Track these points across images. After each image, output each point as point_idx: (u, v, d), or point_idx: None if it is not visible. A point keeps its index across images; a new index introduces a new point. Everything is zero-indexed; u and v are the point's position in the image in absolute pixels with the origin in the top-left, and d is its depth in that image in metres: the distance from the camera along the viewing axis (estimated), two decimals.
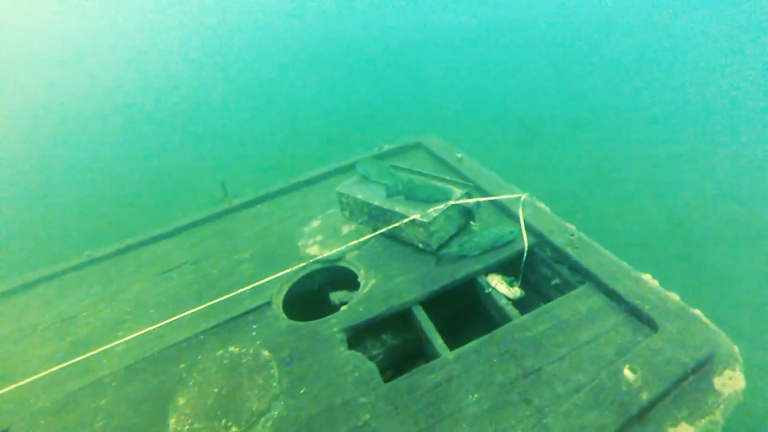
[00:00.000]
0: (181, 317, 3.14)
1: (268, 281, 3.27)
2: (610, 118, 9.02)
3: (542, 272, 3.31)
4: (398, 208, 3.34)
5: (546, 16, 15.12)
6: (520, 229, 3.31)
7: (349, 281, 3.44)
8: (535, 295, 3.48)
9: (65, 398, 2.89)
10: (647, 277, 2.79)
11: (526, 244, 3.21)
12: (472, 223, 3.56)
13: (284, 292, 3.43)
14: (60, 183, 9.10)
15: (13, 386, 2.77)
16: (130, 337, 2.99)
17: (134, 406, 2.72)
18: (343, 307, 3.13)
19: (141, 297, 3.74)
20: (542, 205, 3.60)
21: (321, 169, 4.89)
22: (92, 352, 2.93)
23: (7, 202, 8.61)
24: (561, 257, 3.08)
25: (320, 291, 3.60)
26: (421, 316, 2.96)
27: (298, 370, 2.72)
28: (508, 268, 3.26)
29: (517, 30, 14.43)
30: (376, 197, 3.54)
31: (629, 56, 11.43)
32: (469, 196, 3.43)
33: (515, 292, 3.04)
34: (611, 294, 2.70)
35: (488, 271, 3.19)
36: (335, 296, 3.49)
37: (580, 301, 2.75)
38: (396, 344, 3.24)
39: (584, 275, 2.90)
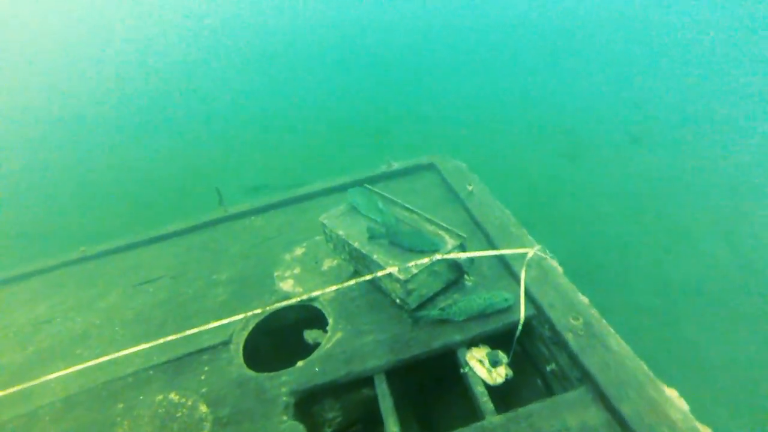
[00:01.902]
0: (133, 351, 2.91)
1: (229, 322, 2.97)
2: (679, 134, 7.93)
3: (539, 350, 2.78)
4: (376, 256, 2.90)
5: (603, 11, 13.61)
6: (518, 296, 2.77)
7: (326, 320, 3.09)
8: (531, 368, 2.96)
9: None
10: (672, 393, 2.19)
11: (522, 317, 2.68)
12: (466, 276, 3.05)
13: (249, 329, 3.13)
14: (62, 177, 9.30)
15: None
16: (74, 369, 2.79)
17: None
18: (299, 363, 2.77)
19: (114, 309, 3.60)
20: (554, 264, 3.02)
21: (323, 184, 4.50)
22: (33, 382, 2.76)
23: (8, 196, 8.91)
24: (560, 342, 2.53)
25: (295, 326, 3.27)
26: (381, 390, 2.55)
27: None
28: (499, 341, 2.75)
29: (569, 26, 13.10)
30: (357, 236, 3.10)
31: (711, 62, 10.01)
32: (462, 248, 2.92)
33: (497, 376, 2.54)
34: (614, 412, 2.14)
35: (472, 342, 2.71)
36: (309, 335, 3.15)
37: (572, 412, 2.22)
38: (358, 405, 2.86)
39: (583, 375, 2.35)
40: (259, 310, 3.05)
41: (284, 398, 2.56)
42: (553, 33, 12.87)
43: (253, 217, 4.35)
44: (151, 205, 7.74)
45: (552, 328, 2.56)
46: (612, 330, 2.51)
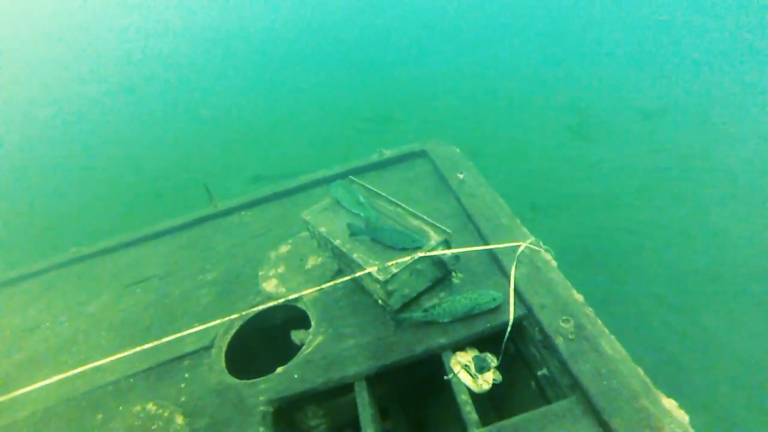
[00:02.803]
0: (114, 359, 2.84)
1: (210, 326, 2.88)
2: (696, 107, 7.43)
3: (531, 353, 2.59)
4: (356, 255, 2.73)
5: None
6: (508, 294, 2.58)
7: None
8: (525, 370, 2.78)
9: None
10: (671, 404, 1.98)
11: (510, 318, 2.49)
12: (453, 274, 2.86)
13: (232, 333, 3.02)
14: (60, 174, 9.29)
15: None
16: (55, 379, 2.74)
17: None
18: (279, 369, 2.66)
19: (102, 313, 3.55)
20: (549, 258, 2.80)
21: (314, 175, 4.34)
22: (13, 394, 2.72)
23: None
24: (549, 346, 2.34)
25: (283, 326, 3.16)
26: (361, 398, 2.42)
27: None
28: (489, 343, 2.57)
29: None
30: (339, 233, 2.94)
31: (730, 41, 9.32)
32: (446, 245, 2.72)
33: (483, 383, 2.37)
34: (605, 426, 1.95)
35: (458, 346, 2.53)
36: (296, 336, 3.03)
37: (560, 425, 2.04)
38: (344, 410, 2.75)
39: (573, 383, 2.16)
40: (236, 315, 2.93)
41: (262, 407, 2.46)
42: (564, 4, 12.22)
43: (243, 212, 4.23)
44: (151, 201, 7.72)
45: (542, 330, 2.37)
46: (606, 331, 2.30)
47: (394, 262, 2.58)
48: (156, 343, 2.81)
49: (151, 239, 4.23)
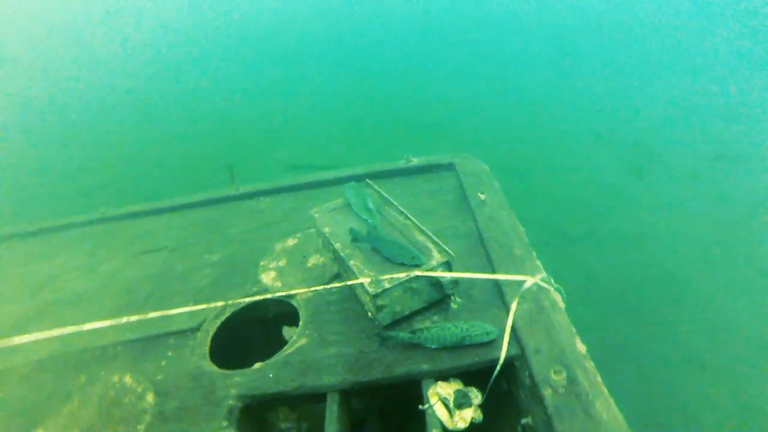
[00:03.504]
0: (108, 324, 2.89)
1: (199, 309, 2.87)
2: None
3: (519, 396, 2.39)
4: (353, 262, 2.62)
5: None
6: (504, 330, 2.39)
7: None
8: (513, 413, 2.57)
9: None
10: None
11: (501, 356, 2.30)
12: (452, 297, 2.70)
13: (223, 318, 3.00)
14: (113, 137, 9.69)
15: None
16: (54, 333, 2.82)
17: (8, 416, 2.57)
18: (257, 365, 2.60)
19: (111, 275, 3.65)
20: (557, 299, 2.59)
21: (339, 172, 4.27)
22: (14, 340, 2.82)
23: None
24: (537, 395, 2.13)
25: (276, 320, 3.11)
26: (330, 411, 2.31)
27: None
28: (476, 377, 2.39)
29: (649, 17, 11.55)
30: (341, 236, 2.84)
31: None
32: (447, 267, 2.56)
33: (459, 420, 2.20)
34: None
35: (441, 375, 2.38)
36: (288, 332, 2.98)
37: None
38: (316, 420, 2.65)
39: None
40: (229, 302, 2.90)
41: (231, 401, 2.40)
42: (629, 26, 11.51)
43: (262, 198, 4.23)
44: (186, 175, 7.95)
45: (531, 376, 2.17)
46: (605, 391, 2.07)
47: (388, 276, 2.46)
48: (146, 316, 2.84)
49: (170, 211, 4.32)
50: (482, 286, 2.73)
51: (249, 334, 3.18)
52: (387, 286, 2.42)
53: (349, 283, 2.58)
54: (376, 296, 2.41)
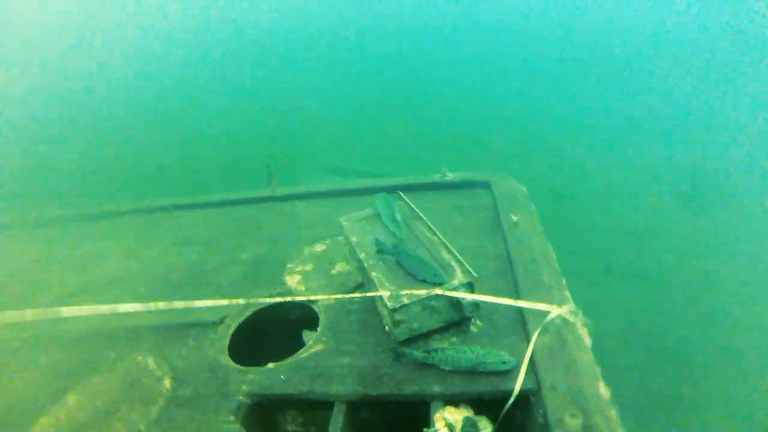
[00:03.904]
0: (141, 308, 3.03)
1: (222, 304, 2.95)
2: None
3: (531, 431, 2.28)
4: (375, 273, 2.62)
5: None
6: (522, 361, 2.30)
7: None
8: None
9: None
10: None
11: (516, 389, 2.21)
12: (472, 320, 2.63)
13: (246, 315, 3.08)
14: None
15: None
16: (93, 310, 2.99)
17: (42, 378, 2.75)
18: (270, 365, 2.64)
19: (151, 261, 3.83)
20: (583, 333, 2.46)
21: (375, 181, 4.31)
22: (63, 310, 3.00)
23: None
24: None
25: (298, 323, 3.16)
26: (335, 421, 2.30)
27: (173, 422, 2.37)
28: (488, 407, 2.31)
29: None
30: (367, 247, 2.85)
31: None
32: (470, 288, 2.50)
33: None
34: None
35: (450, 399, 2.31)
36: (308, 337, 3.01)
37: None
38: (323, 427, 2.65)
39: None
40: (250, 300, 2.97)
41: (240, 397, 2.45)
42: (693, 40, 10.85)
43: (297, 202, 4.32)
44: (229, 173, 8.24)
45: (544, 416, 2.07)
46: None
47: (408, 292, 2.43)
48: (173, 305, 2.95)
49: (210, 206, 4.50)
50: (505, 312, 2.64)
51: (270, 333, 3.23)
52: (406, 301, 2.39)
53: (369, 294, 2.58)
54: (394, 311, 2.39)
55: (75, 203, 5.07)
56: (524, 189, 3.76)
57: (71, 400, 2.57)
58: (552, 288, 2.70)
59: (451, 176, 4.05)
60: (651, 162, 7.41)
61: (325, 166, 8.80)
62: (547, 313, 2.46)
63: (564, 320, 2.46)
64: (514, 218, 3.25)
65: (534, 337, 2.35)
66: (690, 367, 4.59)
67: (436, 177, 4.08)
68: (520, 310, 2.60)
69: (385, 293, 2.45)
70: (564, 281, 2.80)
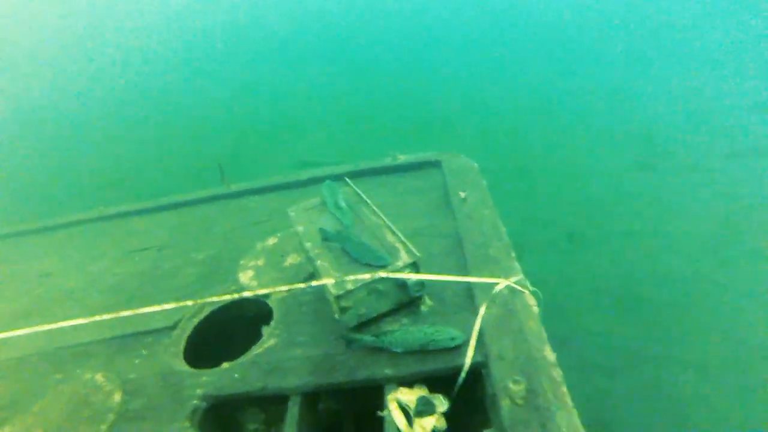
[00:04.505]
0: (86, 321, 2.91)
1: (174, 307, 2.86)
2: None
3: (485, 407, 2.29)
4: (320, 262, 2.57)
5: None
6: (470, 336, 2.29)
7: None
8: (479, 423, 2.47)
9: None
10: None
11: (466, 363, 2.21)
12: (422, 299, 2.61)
13: (201, 317, 3.00)
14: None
15: None
16: (36, 329, 2.85)
17: None
18: (224, 365, 2.58)
19: (101, 273, 3.71)
20: (531, 303, 2.47)
21: (328, 170, 4.23)
22: (4, 334, 2.87)
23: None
24: (495, 406, 2.03)
25: (255, 320, 3.09)
26: (290, 414, 2.27)
27: None
28: (445, 384, 2.30)
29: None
30: (313, 236, 2.79)
31: None
32: (415, 268, 2.48)
33: (419, 429, 2.12)
34: None
35: (404, 381, 2.30)
36: (266, 332, 2.95)
37: None
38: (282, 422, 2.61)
39: None
40: (203, 300, 2.90)
41: (195, 401, 2.39)
42: (639, 16, 10.99)
43: (251, 197, 4.23)
44: (191, 174, 8.04)
45: (492, 385, 2.07)
46: (569, 403, 1.95)
47: (352, 277, 2.39)
48: (121, 314, 2.85)
49: (163, 210, 4.37)
50: (455, 289, 2.63)
51: (229, 333, 3.16)
52: (350, 287, 2.36)
53: (314, 283, 2.53)
54: (338, 297, 2.36)
55: (15, 218, 4.87)
56: (476, 165, 3.75)
57: (7, 429, 2.46)
58: (500, 260, 2.70)
59: (402, 158, 4.01)
60: (607, 130, 7.50)
61: (290, 160, 8.69)
62: (491, 286, 2.46)
63: (512, 291, 2.47)
64: (462, 194, 3.23)
65: (481, 311, 2.34)
66: (654, 324, 4.70)
67: (387, 161, 4.04)
68: (469, 286, 2.60)
69: (329, 281, 2.41)
70: (513, 253, 2.80)
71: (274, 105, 10.45)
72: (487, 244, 2.81)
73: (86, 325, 2.88)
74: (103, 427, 2.34)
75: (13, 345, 3.00)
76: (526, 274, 2.66)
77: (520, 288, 2.48)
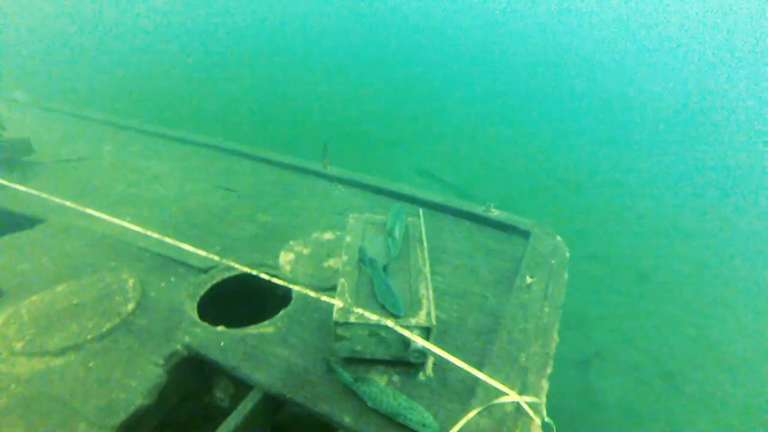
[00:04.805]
0: (142, 231, 3.19)
1: (205, 255, 2.99)
2: None
3: None
4: (342, 280, 2.47)
5: None
6: None
7: None
8: None
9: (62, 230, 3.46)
10: None
11: None
12: (424, 368, 2.36)
13: (231, 275, 3.12)
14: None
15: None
16: (114, 219, 3.24)
17: (54, 264, 3.05)
18: (220, 327, 2.65)
19: (189, 195, 4.06)
20: (533, 417, 2.08)
21: (427, 194, 4.10)
22: (97, 213, 3.28)
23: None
24: None
25: (283, 300, 3.15)
26: (242, 406, 2.23)
27: (115, 343, 2.49)
28: None
29: None
30: (352, 251, 2.70)
31: None
32: (425, 334, 2.24)
33: None
34: None
35: None
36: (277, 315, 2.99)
37: None
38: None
39: None
40: (237, 265, 2.97)
41: (178, 346, 2.49)
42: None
43: (340, 186, 4.30)
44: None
45: None
46: None
47: (360, 311, 2.25)
48: (168, 240, 3.07)
49: (262, 162, 4.67)
50: (462, 375, 2.33)
51: (252, 299, 3.25)
52: (351, 320, 2.22)
53: (323, 297, 2.44)
54: (337, 324, 2.24)
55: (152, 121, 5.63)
56: (567, 253, 3.29)
57: (60, 288, 2.83)
58: (527, 370, 2.31)
59: (496, 212, 3.69)
60: None
61: (414, 165, 8.82)
62: (502, 393, 2.12)
63: (519, 410, 2.10)
64: (529, 280, 2.85)
65: (469, 415, 2.03)
66: None
67: (480, 209, 3.76)
68: (476, 381, 2.27)
69: (338, 302, 2.30)
70: (549, 369, 2.39)
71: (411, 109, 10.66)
72: (524, 346, 2.43)
73: (143, 233, 3.16)
74: (108, 325, 2.56)
75: (94, 220, 3.43)
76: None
77: (530, 411, 2.10)
